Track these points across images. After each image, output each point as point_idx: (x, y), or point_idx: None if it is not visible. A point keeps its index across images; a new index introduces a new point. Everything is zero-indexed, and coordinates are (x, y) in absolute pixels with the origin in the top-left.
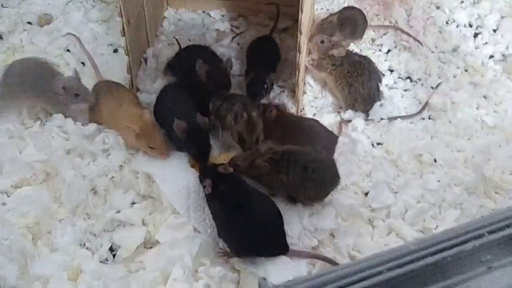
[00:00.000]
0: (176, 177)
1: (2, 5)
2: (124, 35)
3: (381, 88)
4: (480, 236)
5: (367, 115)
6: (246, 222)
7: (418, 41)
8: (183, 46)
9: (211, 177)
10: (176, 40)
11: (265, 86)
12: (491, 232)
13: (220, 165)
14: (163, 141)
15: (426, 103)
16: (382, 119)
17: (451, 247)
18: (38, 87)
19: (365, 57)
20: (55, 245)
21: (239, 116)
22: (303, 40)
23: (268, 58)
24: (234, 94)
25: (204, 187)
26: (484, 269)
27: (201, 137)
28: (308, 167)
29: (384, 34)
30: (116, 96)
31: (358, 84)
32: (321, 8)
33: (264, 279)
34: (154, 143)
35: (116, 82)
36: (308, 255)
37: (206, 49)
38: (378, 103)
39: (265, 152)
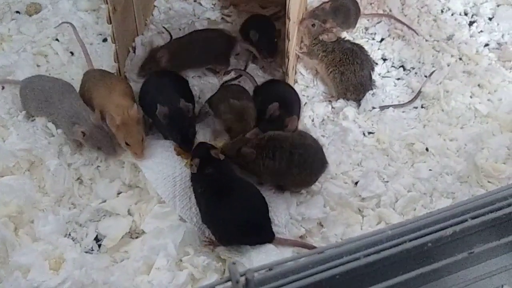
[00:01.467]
0: (162, 165)
1: None
2: (110, 23)
3: (373, 77)
4: (462, 222)
5: (359, 104)
6: (229, 209)
7: (412, 29)
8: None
9: (200, 157)
10: (166, 29)
11: (275, 40)
12: (473, 217)
13: (214, 148)
14: (141, 142)
15: (419, 92)
16: (373, 108)
17: (431, 233)
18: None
19: (358, 45)
20: (37, 235)
21: (227, 105)
22: (292, 26)
23: (268, 22)
24: (229, 84)
25: (190, 165)
26: (465, 255)
27: (184, 123)
28: (294, 152)
29: (378, 22)
30: (108, 84)
31: (350, 73)
32: None
33: (234, 263)
34: (131, 140)
35: (110, 72)
36: (293, 243)
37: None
38: (370, 92)
39: (251, 139)
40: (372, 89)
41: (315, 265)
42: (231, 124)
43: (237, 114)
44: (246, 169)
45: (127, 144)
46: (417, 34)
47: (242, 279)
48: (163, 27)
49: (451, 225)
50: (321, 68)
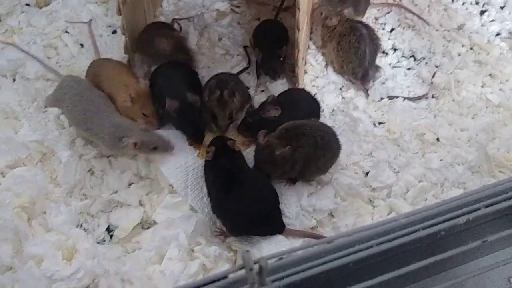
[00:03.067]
0: (174, 155)
1: None
2: (120, 14)
3: (381, 63)
4: (475, 210)
5: (367, 94)
6: (239, 199)
7: (422, 19)
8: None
9: (217, 146)
10: (176, 21)
11: (280, 60)
12: (487, 206)
13: (231, 140)
14: (155, 111)
15: (430, 88)
16: (382, 98)
17: (444, 221)
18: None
19: (364, 23)
20: (50, 225)
21: (212, 92)
22: (302, 16)
23: (276, 36)
24: (223, 73)
25: (207, 152)
26: (479, 243)
27: (195, 116)
28: (316, 136)
29: (388, 12)
30: (116, 67)
31: (346, 43)
32: None
33: (247, 251)
34: (147, 111)
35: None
36: (304, 234)
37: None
38: (380, 80)
39: (272, 141)
40: (373, 69)
41: (328, 253)
42: (214, 112)
43: (218, 102)
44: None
45: (144, 115)
46: (427, 24)
47: (256, 266)
48: (174, 18)
49: (464, 214)
50: (328, 49)
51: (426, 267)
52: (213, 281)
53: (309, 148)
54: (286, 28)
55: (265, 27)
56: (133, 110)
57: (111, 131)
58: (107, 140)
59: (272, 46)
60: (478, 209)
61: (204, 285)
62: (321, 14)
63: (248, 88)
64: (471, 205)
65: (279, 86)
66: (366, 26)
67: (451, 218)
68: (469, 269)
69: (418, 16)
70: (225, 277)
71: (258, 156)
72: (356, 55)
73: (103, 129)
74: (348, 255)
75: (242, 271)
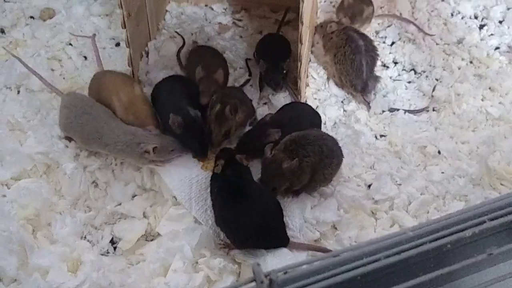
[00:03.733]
0: (178, 167)
1: None
2: (125, 27)
3: (381, 74)
4: (480, 223)
5: (369, 107)
6: (244, 212)
7: (423, 31)
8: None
9: (226, 158)
10: (178, 33)
11: (283, 73)
12: (492, 219)
13: (239, 153)
14: (153, 115)
15: (432, 98)
16: (383, 111)
17: (451, 234)
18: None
19: (360, 33)
20: (55, 237)
21: (213, 107)
22: (305, 30)
23: (279, 49)
24: (230, 87)
25: (216, 165)
26: (484, 256)
27: (198, 131)
28: (321, 144)
29: (388, 26)
30: (112, 77)
31: (341, 55)
32: (324, 0)
33: (258, 264)
34: (142, 115)
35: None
36: (308, 247)
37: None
38: (382, 93)
39: (278, 155)
40: (375, 81)
41: (336, 266)
42: (210, 123)
43: (217, 117)
44: (283, 182)
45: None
46: (427, 34)
47: (266, 279)
48: (176, 31)
49: (470, 227)
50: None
51: (432, 280)
52: None
53: (315, 157)
54: (289, 41)
55: (269, 40)
56: (129, 117)
57: (128, 139)
58: (125, 149)
59: (275, 59)
60: (483, 222)
61: None
62: (321, 26)
63: (251, 100)
64: (476, 218)
65: (281, 99)
66: (363, 36)
67: (458, 231)
68: (473, 282)
69: (418, 28)
70: None
71: (265, 171)
72: (352, 67)
73: (119, 140)
74: (356, 268)
75: (253, 284)
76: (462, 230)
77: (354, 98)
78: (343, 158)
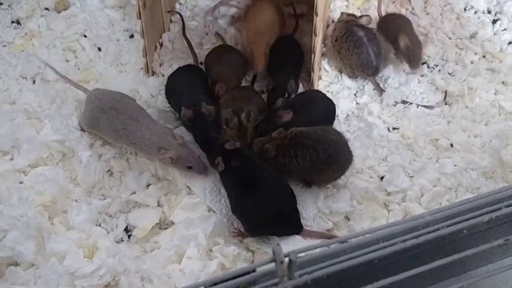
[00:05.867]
0: None
1: None
2: (140, 18)
3: (381, 55)
4: (497, 209)
5: (382, 91)
6: (260, 198)
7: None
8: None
9: (220, 154)
10: (180, 14)
11: (287, 95)
12: (508, 206)
13: (225, 142)
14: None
15: (445, 97)
16: (397, 103)
17: (467, 219)
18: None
19: (362, 26)
20: (71, 223)
21: (230, 121)
22: (319, 22)
23: (291, 59)
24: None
25: (216, 165)
26: (500, 242)
27: (205, 126)
28: (318, 149)
29: None
30: None
31: (345, 51)
32: None
33: (278, 244)
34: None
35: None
36: (322, 235)
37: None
38: (395, 85)
39: (276, 137)
40: (385, 61)
41: (354, 249)
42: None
43: (239, 130)
44: (274, 167)
45: None
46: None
47: (286, 260)
48: (180, 14)
49: (486, 213)
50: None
51: (447, 266)
52: (242, 275)
53: (305, 161)
54: (301, 47)
55: (280, 50)
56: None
57: (152, 140)
58: (149, 150)
59: (283, 77)
60: (500, 208)
61: (233, 278)
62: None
63: (263, 92)
64: (493, 204)
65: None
66: (362, 27)
67: (474, 217)
68: (487, 270)
69: None
70: (253, 270)
71: (256, 142)
72: (360, 59)
73: (144, 140)
74: (374, 251)
75: (272, 264)
76: (479, 216)
77: (367, 91)
78: (352, 160)
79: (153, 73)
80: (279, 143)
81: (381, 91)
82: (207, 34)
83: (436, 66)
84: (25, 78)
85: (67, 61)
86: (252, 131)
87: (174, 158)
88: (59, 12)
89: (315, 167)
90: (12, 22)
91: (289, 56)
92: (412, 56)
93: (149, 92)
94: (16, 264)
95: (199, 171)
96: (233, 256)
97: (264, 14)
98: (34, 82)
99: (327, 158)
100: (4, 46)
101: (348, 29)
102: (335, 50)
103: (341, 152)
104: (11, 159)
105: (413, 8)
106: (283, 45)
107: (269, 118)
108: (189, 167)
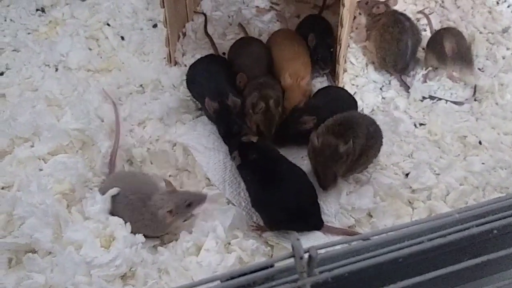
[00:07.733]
0: (212, 150)
1: None
2: (163, 6)
3: (415, 54)
4: None
5: (408, 87)
6: (280, 192)
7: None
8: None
9: (238, 148)
10: (204, 14)
11: (331, 49)
12: None
13: (243, 135)
14: None
15: (474, 92)
16: (424, 98)
17: (498, 219)
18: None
19: (406, 16)
20: (88, 213)
21: (256, 106)
22: (346, 13)
23: (325, 27)
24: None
25: (233, 159)
26: None
27: (229, 119)
28: (368, 124)
29: (430, 13)
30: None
31: (388, 34)
32: None
33: (298, 239)
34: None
35: None
36: (343, 232)
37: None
38: (421, 80)
39: (329, 139)
40: (416, 63)
41: (378, 247)
42: (260, 126)
43: (265, 116)
44: (340, 167)
45: None
46: None
47: (306, 255)
48: (203, 13)
49: None
50: (370, 40)
51: (476, 268)
52: (260, 269)
53: (364, 138)
54: (330, 23)
55: (313, 19)
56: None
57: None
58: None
59: (322, 35)
60: None
61: (250, 272)
62: (367, 3)
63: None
64: None
65: (317, 84)
66: (409, 19)
67: (505, 217)
68: None
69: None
70: (272, 265)
71: (320, 158)
72: (398, 47)
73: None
74: (398, 249)
75: (291, 259)
76: (510, 216)
77: (393, 86)
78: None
79: (176, 63)
80: (332, 131)
81: (406, 87)
82: (230, 24)
83: None
84: (48, 65)
85: (90, 49)
86: (278, 119)
87: (173, 210)
88: (83, 0)
89: (367, 144)
90: (37, 10)
91: (323, 22)
92: (463, 58)
93: (171, 82)
94: (33, 251)
95: (200, 202)
96: (251, 250)
97: None
98: (56, 69)
99: (374, 133)
100: (29, 33)
101: (396, 17)
102: (377, 36)
103: (378, 127)
104: (32, 146)
105: (443, 1)
106: (314, 16)
107: (289, 122)
108: (189, 205)
